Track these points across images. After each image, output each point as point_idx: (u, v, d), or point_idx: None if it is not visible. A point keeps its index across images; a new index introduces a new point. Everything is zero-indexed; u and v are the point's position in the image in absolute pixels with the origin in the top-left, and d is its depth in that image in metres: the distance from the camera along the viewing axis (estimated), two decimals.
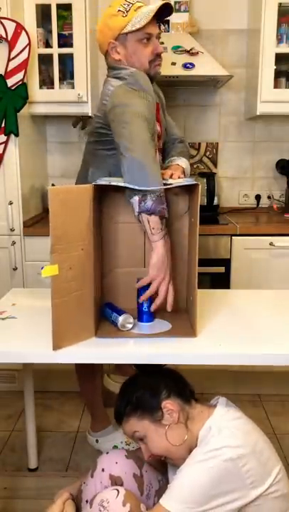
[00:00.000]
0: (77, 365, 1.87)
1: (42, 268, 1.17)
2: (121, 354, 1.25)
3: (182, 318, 1.40)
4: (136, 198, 1.32)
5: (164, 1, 1.61)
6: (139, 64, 1.63)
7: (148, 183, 1.32)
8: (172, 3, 2.42)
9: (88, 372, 1.91)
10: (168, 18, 1.74)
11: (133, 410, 1.23)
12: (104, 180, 1.34)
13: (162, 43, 2.37)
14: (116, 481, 1.26)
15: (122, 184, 1.30)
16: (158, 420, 1.21)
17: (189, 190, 1.40)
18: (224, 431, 1.12)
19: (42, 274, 1.17)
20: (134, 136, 1.42)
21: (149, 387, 1.25)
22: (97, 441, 1.97)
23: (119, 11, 1.60)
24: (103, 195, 1.44)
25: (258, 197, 2.81)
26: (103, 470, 1.29)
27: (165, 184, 1.34)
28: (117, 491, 1.13)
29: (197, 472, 1.08)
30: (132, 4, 1.60)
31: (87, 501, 1.27)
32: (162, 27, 2.45)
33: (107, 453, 1.35)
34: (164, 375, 1.29)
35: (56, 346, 1.22)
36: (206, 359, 1.25)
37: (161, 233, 1.35)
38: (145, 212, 1.32)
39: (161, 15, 1.64)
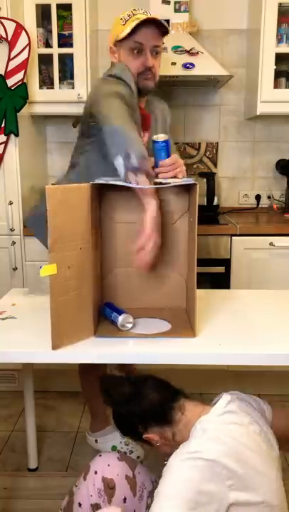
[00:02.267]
0: (80, 364, 1.87)
1: (40, 267, 1.17)
2: (120, 354, 1.24)
3: (182, 319, 1.40)
4: (120, 159, 1.29)
5: (150, 16, 1.63)
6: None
7: (129, 143, 1.32)
8: (172, 3, 2.43)
9: (91, 373, 1.91)
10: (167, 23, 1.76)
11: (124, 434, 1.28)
12: (102, 180, 1.34)
13: (162, 43, 2.39)
14: (108, 483, 1.26)
15: (119, 183, 1.30)
16: (147, 442, 1.25)
17: (188, 189, 1.40)
18: (208, 433, 1.09)
19: (40, 273, 1.18)
20: (110, 110, 1.45)
21: (125, 428, 1.28)
22: (96, 441, 1.97)
23: (121, 19, 1.67)
24: (103, 195, 1.44)
25: (258, 197, 2.81)
26: (96, 472, 1.29)
27: (163, 184, 1.34)
28: None
29: (178, 471, 1.05)
30: (134, 15, 1.64)
31: (80, 504, 1.26)
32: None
33: (100, 455, 1.35)
34: (134, 402, 1.26)
35: (55, 345, 1.22)
36: (205, 359, 1.25)
37: (152, 193, 1.32)
38: (131, 171, 1.28)
39: (160, 28, 1.64)
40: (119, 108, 1.46)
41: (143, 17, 1.62)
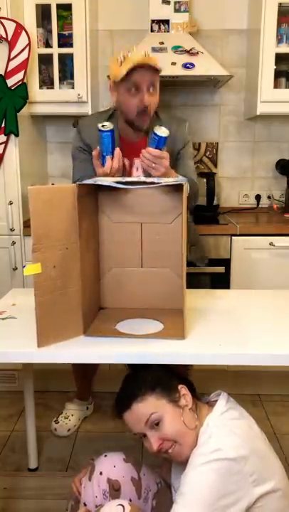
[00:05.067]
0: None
1: (24, 266, 1.18)
2: (111, 354, 1.24)
3: (177, 319, 1.38)
4: None
5: (143, 60, 1.65)
6: (127, 113, 1.76)
7: None
8: (172, 3, 2.43)
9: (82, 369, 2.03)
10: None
11: (150, 389, 1.19)
12: (90, 180, 1.34)
13: (162, 42, 2.40)
14: (114, 485, 1.26)
15: (106, 183, 1.30)
16: (175, 401, 1.19)
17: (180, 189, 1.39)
18: (223, 429, 1.11)
19: (24, 272, 1.19)
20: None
21: (162, 373, 1.23)
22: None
23: (118, 60, 1.69)
24: (100, 195, 1.44)
25: (258, 197, 2.81)
26: (101, 473, 1.29)
27: (155, 183, 1.34)
28: (122, 506, 1.11)
29: (202, 475, 1.06)
30: (129, 58, 1.67)
31: (85, 504, 1.27)
32: (162, 27, 2.45)
33: (105, 455, 1.34)
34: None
35: (40, 343, 1.23)
36: (194, 359, 1.25)
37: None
38: None
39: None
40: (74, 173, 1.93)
41: (137, 58, 1.66)
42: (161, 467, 1.43)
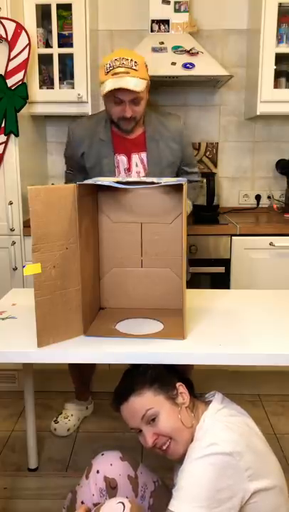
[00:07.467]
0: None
1: (24, 266, 1.19)
2: (111, 354, 1.24)
3: (177, 319, 1.38)
4: None
5: (116, 86, 1.67)
6: (111, 117, 1.82)
7: None
8: (172, 3, 2.43)
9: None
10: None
11: (149, 384, 1.20)
12: (90, 180, 1.34)
13: (162, 42, 2.40)
14: (110, 483, 1.26)
15: (106, 183, 1.30)
16: (172, 398, 1.20)
17: (180, 189, 1.39)
18: (218, 425, 1.12)
19: (24, 272, 1.20)
20: None
21: (162, 369, 1.24)
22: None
23: (105, 66, 1.71)
24: (100, 195, 1.44)
25: (258, 197, 2.81)
26: (98, 472, 1.29)
27: (155, 183, 1.34)
28: (123, 504, 1.10)
29: (198, 469, 1.07)
30: (113, 68, 1.68)
31: (82, 502, 1.27)
32: (162, 27, 2.45)
33: (102, 454, 1.34)
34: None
35: (40, 343, 1.23)
36: (194, 359, 1.25)
37: None
38: None
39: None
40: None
41: (118, 74, 1.67)
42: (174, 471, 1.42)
